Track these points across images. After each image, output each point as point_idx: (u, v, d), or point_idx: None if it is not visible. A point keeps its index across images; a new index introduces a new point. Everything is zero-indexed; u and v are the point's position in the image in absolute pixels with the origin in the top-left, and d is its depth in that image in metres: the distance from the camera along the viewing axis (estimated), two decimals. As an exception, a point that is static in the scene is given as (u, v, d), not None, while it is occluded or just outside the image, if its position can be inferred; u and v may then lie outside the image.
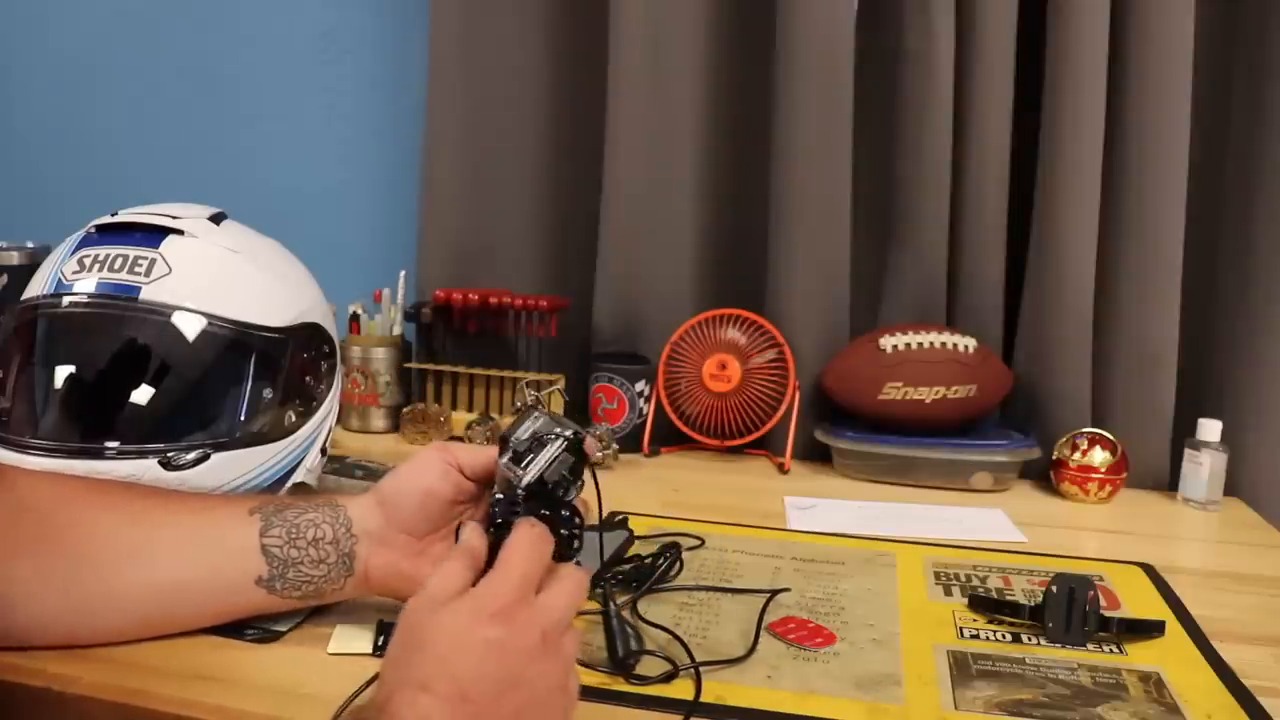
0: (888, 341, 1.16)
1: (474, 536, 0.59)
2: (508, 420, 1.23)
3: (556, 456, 0.62)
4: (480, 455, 0.68)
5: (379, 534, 0.67)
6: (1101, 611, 0.75)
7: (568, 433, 0.63)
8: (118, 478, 0.75)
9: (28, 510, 0.65)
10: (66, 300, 0.80)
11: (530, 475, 0.61)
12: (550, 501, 0.62)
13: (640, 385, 1.23)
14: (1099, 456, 1.11)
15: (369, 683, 0.60)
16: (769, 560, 0.89)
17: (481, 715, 0.51)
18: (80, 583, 0.63)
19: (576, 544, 0.63)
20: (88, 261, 0.81)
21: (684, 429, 1.23)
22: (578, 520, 0.62)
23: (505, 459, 0.64)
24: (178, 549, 0.66)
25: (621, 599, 0.76)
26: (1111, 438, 1.12)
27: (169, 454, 0.78)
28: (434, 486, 0.67)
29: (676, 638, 0.70)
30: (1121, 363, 1.16)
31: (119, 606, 0.64)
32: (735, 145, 1.29)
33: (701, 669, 0.66)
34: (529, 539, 0.57)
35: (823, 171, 1.20)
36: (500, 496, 0.63)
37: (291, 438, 0.87)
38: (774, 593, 0.80)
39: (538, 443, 0.63)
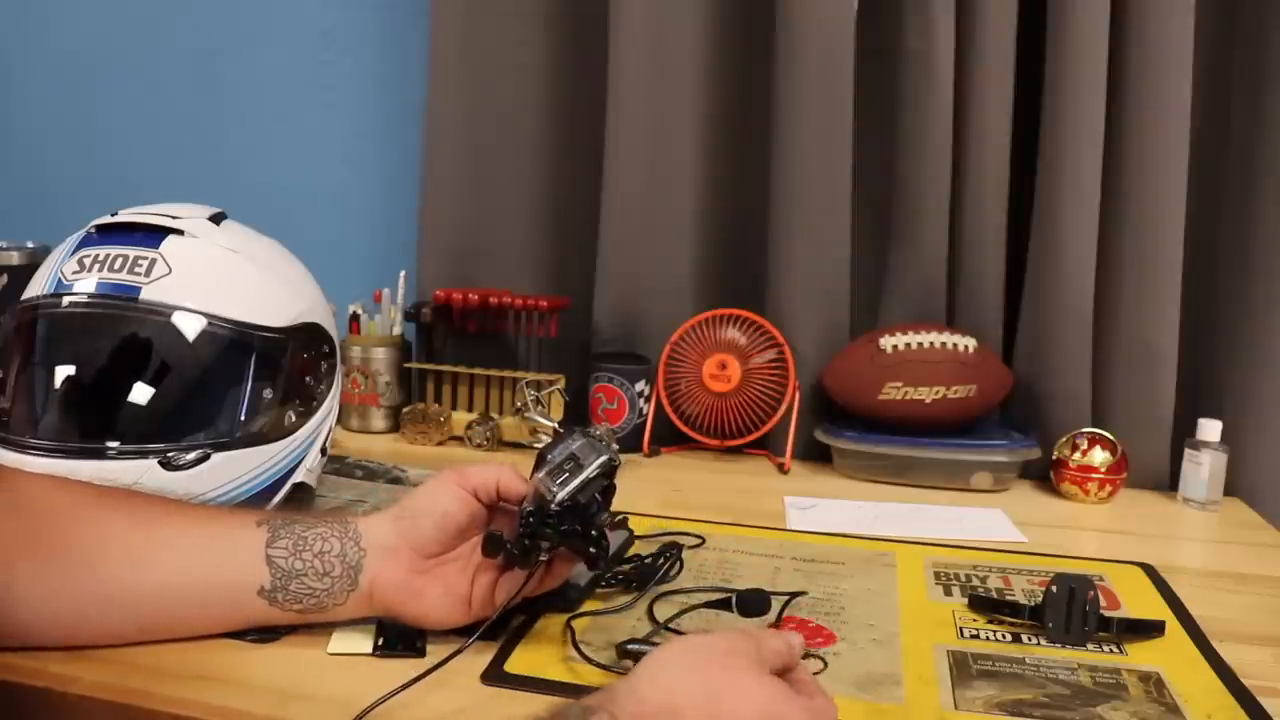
0: (888, 341, 1.16)
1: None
2: (508, 421, 1.24)
3: (591, 479, 0.66)
4: (490, 477, 0.69)
5: (389, 547, 0.67)
6: (1101, 611, 0.74)
7: (603, 458, 0.67)
8: (119, 479, 0.75)
9: (29, 512, 0.65)
10: (66, 300, 0.80)
11: (564, 493, 0.65)
12: (581, 520, 0.65)
13: (640, 385, 1.23)
14: (1099, 456, 1.11)
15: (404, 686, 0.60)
16: (769, 560, 0.89)
17: None
18: (80, 585, 0.63)
19: (601, 562, 0.67)
20: (88, 261, 0.81)
21: (684, 429, 1.23)
22: (604, 542, 0.66)
23: (542, 474, 0.67)
24: (180, 555, 0.66)
25: (622, 599, 0.77)
26: (1111, 438, 1.12)
27: (169, 454, 0.78)
28: (451, 509, 0.68)
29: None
30: (1121, 363, 1.16)
31: (119, 610, 0.64)
32: (735, 145, 1.29)
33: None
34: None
35: (823, 171, 1.20)
36: (532, 510, 0.66)
37: (291, 438, 0.87)
38: (792, 595, 0.79)
39: (574, 464, 0.67)
